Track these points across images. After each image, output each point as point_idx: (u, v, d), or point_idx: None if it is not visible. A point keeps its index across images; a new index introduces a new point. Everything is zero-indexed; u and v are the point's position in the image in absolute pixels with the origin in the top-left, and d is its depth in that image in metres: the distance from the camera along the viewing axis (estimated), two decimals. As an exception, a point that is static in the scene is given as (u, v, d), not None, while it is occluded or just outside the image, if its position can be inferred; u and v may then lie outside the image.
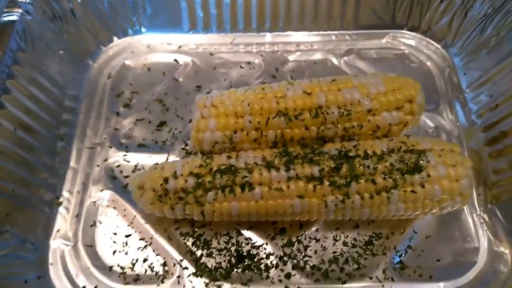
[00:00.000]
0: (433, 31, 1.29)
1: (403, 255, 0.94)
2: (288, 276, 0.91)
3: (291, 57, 1.28)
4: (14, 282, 0.83)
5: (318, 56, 1.28)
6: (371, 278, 0.91)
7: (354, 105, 0.95)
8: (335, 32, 1.32)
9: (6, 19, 1.02)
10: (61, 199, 0.99)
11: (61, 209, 0.98)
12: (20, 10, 1.04)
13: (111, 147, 1.08)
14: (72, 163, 1.05)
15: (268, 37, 1.31)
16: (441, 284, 0.91)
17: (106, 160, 1.06)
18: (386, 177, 0.87)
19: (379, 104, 0.96)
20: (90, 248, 0.94)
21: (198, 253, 0.93)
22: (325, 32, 1.32)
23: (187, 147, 1.09)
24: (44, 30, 1.11)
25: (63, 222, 0.97)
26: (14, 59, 0.98)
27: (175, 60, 1.26)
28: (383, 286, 0.91)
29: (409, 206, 0.89)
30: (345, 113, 0.94)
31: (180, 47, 1.29)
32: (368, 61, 1.27)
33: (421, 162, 0.88)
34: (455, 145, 0.96)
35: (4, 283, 0.81)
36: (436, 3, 1.25)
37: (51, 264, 0.91)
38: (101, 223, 0.97)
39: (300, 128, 0.96)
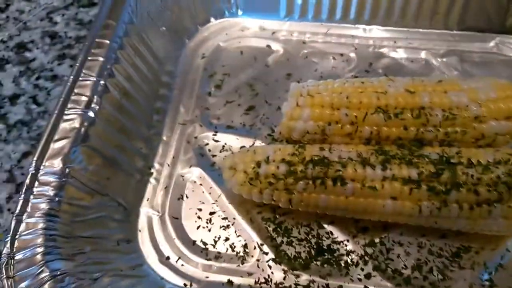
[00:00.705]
0: (547, 38, 1.19)
1: (493, 273, 0.88)
2: (368, 276, 0.88)
3: (386, 53, 1.22)
4: (108, 241, 0.88)
5: (415, 54, 1.22)
6: (456, 291, 0.86)
7: (460, 110, 0.90)
8: (437, 31, 1.25)
9: (120, -8, 1.07)
10: (152, 170, 1.03)
11: (151, 180, 1.02)
12: (132, -16, 1.09)
13: (201, 125, 1.10)
14: (164, 137, 1.08)
15: (364, 30, 1.27)
16: (533, 309, 0.84)
17: (196, 137, 1.08)
18: (491, 189, 0.81)
19: (488, 111, 0.89)
20: (176, 220, 0.96)
21: (278, 240, 0.93)
22: (426, 30, 1.26)
23: (273, 134, 1.08)
24: (152, 5, 1.14)
25: (152, 192, 1.00)
26: (125, 30, 1.02)
27: (268, 45, 1.26)
28: (469, 301, 0.85)
29: (511, 223, 0.83)
30: (449, 117, 0.89)
31: (273, 33, 1.28)
32: (470, 64, 1.19)
33: (531, 178, 0.81)
34: None
35: (101, 242, 0.86)
36: (553, 9, 1.15)
37: (140, 230, 0.95)
38: (187, 198, 0.99)
39: (399, 127, 0.92)
